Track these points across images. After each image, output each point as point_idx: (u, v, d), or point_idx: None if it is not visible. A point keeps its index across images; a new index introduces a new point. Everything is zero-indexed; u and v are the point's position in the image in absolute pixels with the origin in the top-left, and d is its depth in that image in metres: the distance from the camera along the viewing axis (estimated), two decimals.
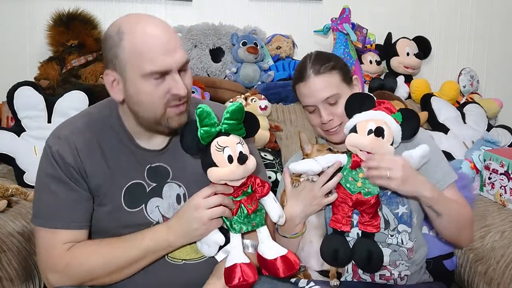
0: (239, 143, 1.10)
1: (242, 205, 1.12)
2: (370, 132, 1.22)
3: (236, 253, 1.12)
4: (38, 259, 1.16)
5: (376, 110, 1.25)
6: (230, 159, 1.08)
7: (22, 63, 2.09)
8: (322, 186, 1.24)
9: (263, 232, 1.16)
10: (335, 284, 1.24)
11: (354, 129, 1.25)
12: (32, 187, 1.64)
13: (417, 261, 1.33)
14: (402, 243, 1.30)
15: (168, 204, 1.17)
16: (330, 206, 1.29)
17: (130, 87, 1.07)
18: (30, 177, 1.67)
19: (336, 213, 1.26)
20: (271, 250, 1.14)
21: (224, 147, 1.08)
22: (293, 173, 1.30)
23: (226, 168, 1.08)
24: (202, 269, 1.14)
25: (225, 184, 1.10)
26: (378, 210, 1.29)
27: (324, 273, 1.30)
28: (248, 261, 1.11)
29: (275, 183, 1.67)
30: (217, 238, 1.11)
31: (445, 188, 1.33)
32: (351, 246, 1.26)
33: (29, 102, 1.71)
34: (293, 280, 1.29)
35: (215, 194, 1.10)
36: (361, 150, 1.23)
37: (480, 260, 1.45)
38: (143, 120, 1.12)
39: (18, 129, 1.71)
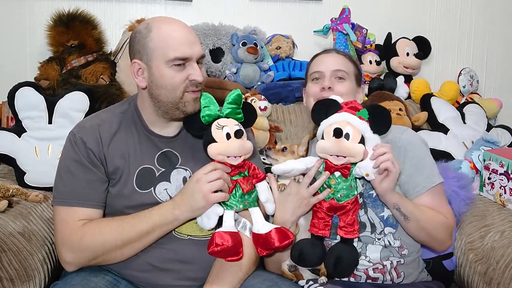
0: (237, 124, 1.24)
1: (238, 184, 1.23)
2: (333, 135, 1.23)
3: (225, 226, 1.20)
4: (55, 237, 1.28)
5: (339, 112, 1.25)
6: (228, 136, 1.21)
7: (22, 63, 2.09)
8: (308, 187, 1.27)
9: (256, 213, 1.25)
10: (323, 281, 1.26)
11: (323, 136, 1.26)
12: (32, 187, 1.64)
13: (409, 253, 1.34)
14: (390, 244, 1.31)
15: (175, 187, 1.28)
16: None
17: (155, 72, 1.23)
18: (30, 178, 1.67)
19: (314, 219, 1.28)
20: (265, 225, 1.23)
21: (223, 126, 1.22)
22: (277, 175, 1.35)
23: (224, 142, 1.20)
24: (206, 246, 1.20)
25: (224, 163, 1.21)
26: (364, 213, 1.31)
27: (315, 271, 1.32)
28: (233, 231, 1.20)
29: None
30: (217, 209, 1.20)
31: (424, 193, 1.32)
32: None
33: (30, 103, 1.71)
34: (292, 281, 1.31)
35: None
36: (331, 155, 1.23)
37: (480, 260, 1.45)
38: (162, 105, 1.25)
39: (18, 129, 1.71)
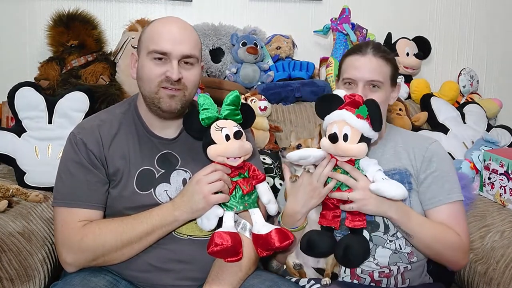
0: (235, 126, 1.23)
1: (238, 185, 1.23)
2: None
3: (225, 226, 1.20)
4: (55, 238, 1.28)
5: (340, 109, 1.24)
6: (228, 138, 1.21)
7: (22, 63, 2.09)
8: (319, 176, 1.25)
9: (256, 214, 1.25)
10: (326, 283, 1.24)
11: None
12: (32, 187, 1.64)
13: (418, 260, 1.33)
14: (400, 248, 1.30)
15: (175, 188, 1.28)
16: None
17: (139, 63, 1.28)
18: (30, 178, 1.66)
19: (323, 210, 1.28)
20: (265, 226, 1.23)
21: (222, 127, 1.21)
22: (291, 163, 1.33)
23: (223, 144, 1.20)
24: (205, 247, 1.19)
25: (224, 164, 1.21)
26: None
27: (319, 270, 1.31)
28: (233, 231, 1.19)
29: (273, 189, 1.61)
30: (217, 211, 1.21)
31: (440, 206, 1.31)
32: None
33: (30, 103, 1.71)
34: (293, 279, 1.30)
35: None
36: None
37: (480, 260, 1.45)
38: (145, 99, 1.28)
39: (18, 129, 1.71)
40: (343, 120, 1.22)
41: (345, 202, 1.25)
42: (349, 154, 1.23)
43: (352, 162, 1.25)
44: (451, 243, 1.29)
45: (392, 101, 1.41)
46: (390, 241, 1.29)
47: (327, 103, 1.27)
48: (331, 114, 1.25)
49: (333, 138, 1.21)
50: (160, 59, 1.23)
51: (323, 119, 1.28)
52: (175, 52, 1.23)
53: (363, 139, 1.23)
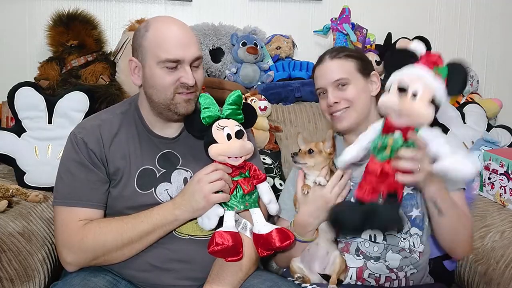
0: (237, 125, 1.24)
1: (239, 185, 1.23)
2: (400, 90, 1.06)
3: (225, 226, 1.20)
4: (55, 238, 1.28)
5: (415, 64, 1.09)
6: (229, 137, 1.21)
7: (22, 63, 2.09)
8: (333, 188, 1.23)
9: (257, 213, 1.26)
10: None
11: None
12: (32, 187, 1.64)
13: (423, 260, 1.33)
14: (414, 246, 1.29)
15: (176, 188, 1.28)
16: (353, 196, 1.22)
17: (147, 72, 1.23)
18: (30, 178, 1.66)
19: (362, 183, 1.13)
20: (266, 226, 1.23)
21: (224, 127, 1.21)
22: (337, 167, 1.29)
23: (225, 143, 1.20)
24: (206, 246, 1.19)
25: (225, 164, 1.21)
26: None
27: (325, 277, 1.30)
28: (234, 231, 1.19)
29: (274, 189, 1.59)
30: (217, 210, 1.21)
31: (457, 191, 1.32)
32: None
33: (30, 103, 1.71)
34: (296, 282, 1.30)
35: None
36: (392, 113, 1.09)
37: (480, 260, 1.45)
38: (155, 105, 1.26)
39: (18, 129, 1.71)
40: (416, 76, 1.06)
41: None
42: (413, 114, 1.06)
43: (411, 129, 1.08)
44: (468, 227, 1.32)
45: (375, 92, 1.40)
46: (404, 238, 1.29)
47: (400, 57, 1.12)
48: (403, 69, 1.09)
49: (402, 89, 1.05)
50: (172, 66, 1.21)
51: (389, 74, 1.12)
52: (187, 57, 1.21)
53: (433, 104, 1.06)
